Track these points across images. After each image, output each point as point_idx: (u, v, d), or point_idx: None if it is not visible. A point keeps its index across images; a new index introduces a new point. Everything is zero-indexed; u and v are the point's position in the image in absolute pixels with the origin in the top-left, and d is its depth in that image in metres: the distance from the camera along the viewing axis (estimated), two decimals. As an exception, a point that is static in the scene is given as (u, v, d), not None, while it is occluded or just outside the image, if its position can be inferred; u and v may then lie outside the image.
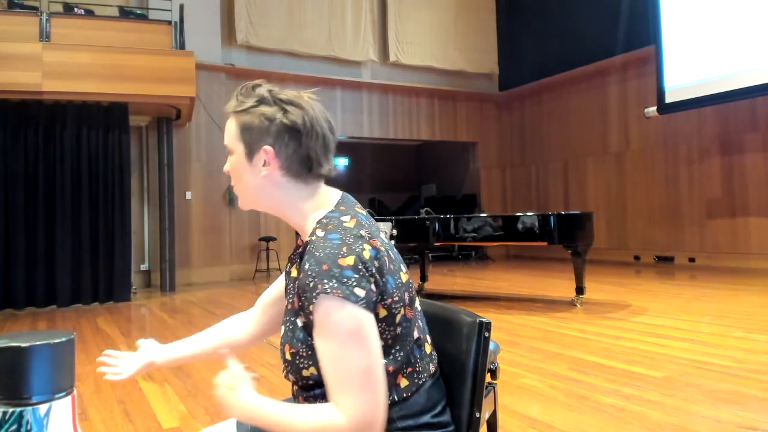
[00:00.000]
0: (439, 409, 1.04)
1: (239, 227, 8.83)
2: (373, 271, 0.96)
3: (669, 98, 8.18)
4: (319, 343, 0.95)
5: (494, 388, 1.72)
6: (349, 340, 0.92)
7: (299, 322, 1.02)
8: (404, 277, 1.04)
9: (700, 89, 7.75)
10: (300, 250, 1.07)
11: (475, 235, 5.52)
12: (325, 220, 1.03)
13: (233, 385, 1.01)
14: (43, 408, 0.46)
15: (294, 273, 1.08)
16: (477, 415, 1.08)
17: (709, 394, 2.74)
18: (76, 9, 7.09)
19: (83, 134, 6.81)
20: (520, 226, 5.28)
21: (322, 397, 0.99)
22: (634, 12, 9.05)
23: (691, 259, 8.44)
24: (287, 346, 1.04)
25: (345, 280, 0.93)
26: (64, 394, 0.48)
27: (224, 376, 1.03)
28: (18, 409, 0.46)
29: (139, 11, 7.72)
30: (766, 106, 7.60)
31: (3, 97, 6.35)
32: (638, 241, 9.20)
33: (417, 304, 1.08)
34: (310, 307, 0.95)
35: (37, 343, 0.46)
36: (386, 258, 1.01)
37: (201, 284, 8.17)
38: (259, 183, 1.07)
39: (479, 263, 10.41)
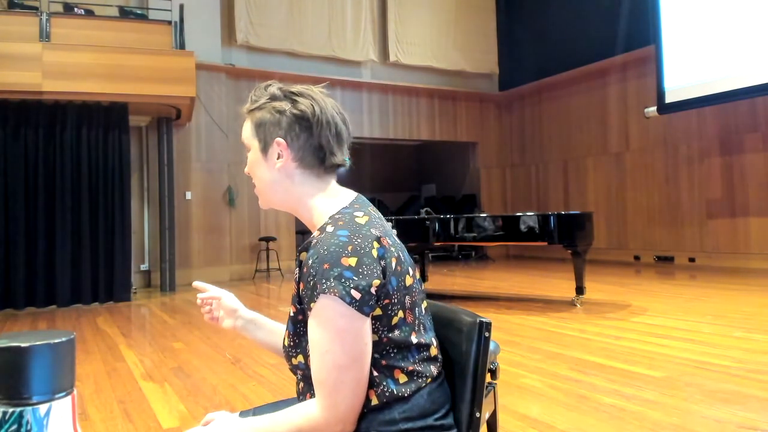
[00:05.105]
0: (443, 412, 1.05)
1: (239, 227, 8.83)
2: (377, 272, 0.96)
3: (669, 98, 8.18)
4: (311, 334, 0.99)
5: (494, 388, 1.72)
6: (337, 337, 0.95)
7: (292, 312, 1.06)
8: (409, 281, 1.03)
9: (700, 89, 7.75)
10: (311, 240, 1.06)
11: (475, 235, 5.52)
12: (337, 216, 1.04)
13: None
14: (43, 408, 0.46)
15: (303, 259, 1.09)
16: (477, 415, 1.08)
17: (709, 394, 2.74)
18: (76, 9, 7.08)
19: (83, 134, 6.80)
20: (520, 226, 5.28)
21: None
22: (634, 12, 9.05)
23: (691, 259, 8.43)
24: (286, 333, 1.09)
25: (343, 280, 0.94)
26: (64, 394, 0.48)
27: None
28: (18, 409, 0.46)
29: (139, 11, 7.71)
30: (766, 106, 7.60)
31: (3, 97, 6.35)
32: (638, 241, 9.20)
33: (422, 307, 1.08)
34: (311, 305, 0.97)
35: (37, 343, 0.46)
36: (394, 259, 1.01)
37: (201, 284, 8.13)
38: (274, 177, 1.09)
39: (479, 263, 10.40)
